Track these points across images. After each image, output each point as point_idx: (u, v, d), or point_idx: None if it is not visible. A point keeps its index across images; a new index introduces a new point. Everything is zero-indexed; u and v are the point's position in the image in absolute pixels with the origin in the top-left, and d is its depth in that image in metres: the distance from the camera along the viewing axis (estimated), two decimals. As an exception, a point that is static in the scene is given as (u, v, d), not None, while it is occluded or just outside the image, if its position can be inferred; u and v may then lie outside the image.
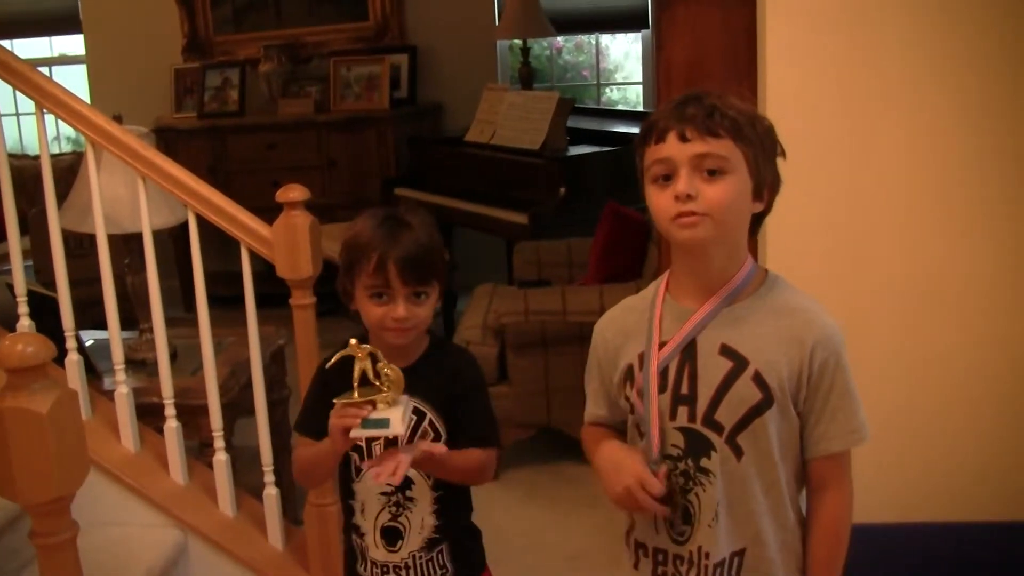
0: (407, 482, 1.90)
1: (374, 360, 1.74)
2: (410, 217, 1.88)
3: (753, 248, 1.64)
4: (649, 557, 1.70)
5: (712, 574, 1.63)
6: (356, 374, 1.74)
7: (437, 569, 1.95)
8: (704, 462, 1.61)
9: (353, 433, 1.73)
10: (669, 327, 1.63)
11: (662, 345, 1.62)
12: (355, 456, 1.90)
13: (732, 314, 1.60)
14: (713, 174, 1.53)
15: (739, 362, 1.58)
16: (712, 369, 1.59)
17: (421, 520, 1.92)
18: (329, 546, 2.69)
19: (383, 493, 1.91)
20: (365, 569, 1.97)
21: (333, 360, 1.77)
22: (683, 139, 1.53)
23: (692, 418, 1.60)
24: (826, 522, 1.65)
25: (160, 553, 2.70)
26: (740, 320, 1.60)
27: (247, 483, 2.94)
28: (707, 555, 1.63)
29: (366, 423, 1.72)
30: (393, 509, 1.92)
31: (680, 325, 1.62)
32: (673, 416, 1.62)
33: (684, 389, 1.61)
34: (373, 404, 1.72)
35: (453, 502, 1.95)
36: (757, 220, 1.62)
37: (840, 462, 1.64)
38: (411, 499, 1.92)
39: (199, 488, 2.82)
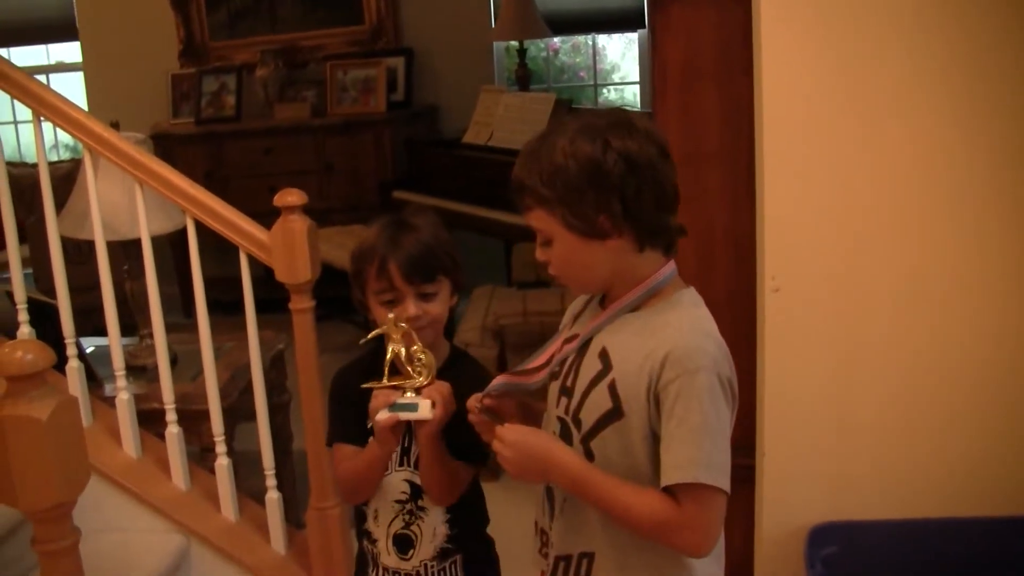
0: (419, 491, 1.91)
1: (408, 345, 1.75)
2: (415, 219, 1.89)
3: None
4: (537, 534, 1.76)
5: (555, 565, 1.67)
6: (388, 357, 1.75)
7: None
8: None
9: (379, 416, 1.74)
10: (584, 322, 1.69)
11: (572, 338, 1.67)
12: None
13: (624, 321, 1.62)
14: (545, 242, 1.62)
15: (605, 367, 1.59)
16: (588, 368, 1.62)
17: (433, 529, 1.92)
18: (331, 549, 2.70)
19: (397, 501, 1.92)
20: (377, 575, 1.97)
21: (370, 336, 1.79)
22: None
23: (567, 411, 1.64)
24: (648, 506, 1.50)
25: (162, 558, 2.70)
26: (623, 327, 1.61)
27: (248, 488, 2.95)
28: (552, 544, 1.68)
29: (394, 407, 1.74)
30: (406, 517, 1.92)
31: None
32: (557, 404, 1.67)
33: (568, 382, 1.65)
34: (402, 390, 1.74)
35: (467, 513, 1.95)
36: (654, 234, 1.57)
37: (679, 498, 1.48)
38: (423, 508, 1.92)
39: (201, 493, 2.83)
